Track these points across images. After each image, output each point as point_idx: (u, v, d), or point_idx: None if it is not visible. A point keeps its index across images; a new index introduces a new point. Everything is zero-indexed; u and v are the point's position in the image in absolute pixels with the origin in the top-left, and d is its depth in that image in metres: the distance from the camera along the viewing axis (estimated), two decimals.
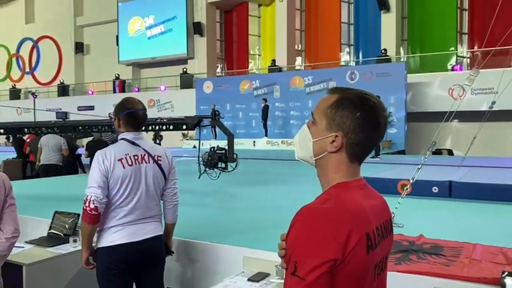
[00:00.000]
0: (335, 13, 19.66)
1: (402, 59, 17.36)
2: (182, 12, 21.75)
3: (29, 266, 2.72)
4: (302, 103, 17.22)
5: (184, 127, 6.12)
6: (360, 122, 1.06)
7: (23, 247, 3.00)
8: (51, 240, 3.20)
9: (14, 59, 28.67)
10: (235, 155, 5.99)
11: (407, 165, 7.56)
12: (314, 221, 0.99)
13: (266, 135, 16.90)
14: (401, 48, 18.06)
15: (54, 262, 2.88)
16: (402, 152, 14.01)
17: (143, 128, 2.70)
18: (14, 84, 27.78)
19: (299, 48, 20.98)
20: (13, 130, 7.86)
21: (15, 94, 27.00)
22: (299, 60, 20.99)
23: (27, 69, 28.12)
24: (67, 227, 3.28)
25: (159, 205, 2.54)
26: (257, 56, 22.60)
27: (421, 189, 4.95)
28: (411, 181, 3.88)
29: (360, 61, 18.88)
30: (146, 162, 2.44)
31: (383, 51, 16.92)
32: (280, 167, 10.24)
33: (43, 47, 27.29)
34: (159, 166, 2.49)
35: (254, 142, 16.85)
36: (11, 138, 16.54)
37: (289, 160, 10.93)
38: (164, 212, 2.58)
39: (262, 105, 16.74)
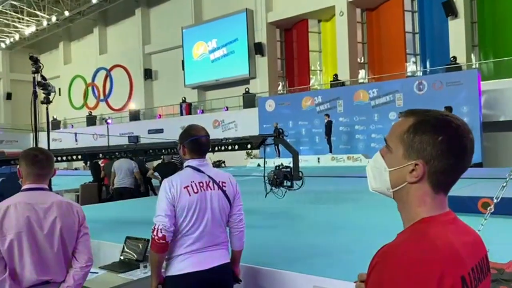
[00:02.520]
0: (399, 23, 19.08)
1: (474, 66, 16.36)
2: (243, 34, 22.23)
3: None
4: (368, 117, 16.75)
5: (249, 146, 6.13)
6: (443, 148, 0.94)
7: (96, 272, 3.09)
8: (123, 265, 3.27)
9: (90, 88, 30.82)
10: (300, 173, 5.86)
11: (486, 180, 7.00)
12: (399, 263, 0.87)
13: (330, 151, 16.59)
14: (472, 55, 17.05)
15: None
16: (479, 165, 13.07)
17: (210, 149, 2.69)
18: (90, 111, 29.78)
19: (362, 61, 20.55)
20: (89, 156, 8.34)
21: (91, 120, 28.92)
22: (362, 73, 20.55)
23: (102, 97, 30.07)
24: (137, 252, 3.35)
25: (226, 232, 2.50)
26: (318, 71, 22.44)
27: (507, 208, 4.50)
28: (495, 200, 3.54)
29: (428, 70, 18.06)
30: (211, 189, 2.42)
31: (452, 59, 16.07)
32: (346, 184, 9.94)
33: (115, 75, 29.11)
34: (224, 192, 2.46)
35: (318, 158, 16.59)
36: (88, 163, 17.60)
37: (355, 177, 10.59)
38: (230, 239, 2.54)
39: (325, 120, 16.50)
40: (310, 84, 21.89)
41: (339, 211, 5.90)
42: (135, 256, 3.34)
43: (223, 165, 18.72)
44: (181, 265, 2.32)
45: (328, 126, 16.33)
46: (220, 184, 2.45)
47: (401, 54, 19.18)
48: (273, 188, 5.78)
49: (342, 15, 19.29)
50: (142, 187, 9.04)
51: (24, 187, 2.26)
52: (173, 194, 2.31)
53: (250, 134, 8.81)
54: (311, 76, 22.32)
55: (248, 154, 18.80)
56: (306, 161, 15.13)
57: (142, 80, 27.15)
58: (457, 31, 16.52)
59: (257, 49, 21.80)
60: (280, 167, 5.87)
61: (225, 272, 2.44)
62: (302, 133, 18.60)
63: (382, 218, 4.93)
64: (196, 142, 2.46)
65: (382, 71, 19.02)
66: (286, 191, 5.80)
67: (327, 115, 16.55)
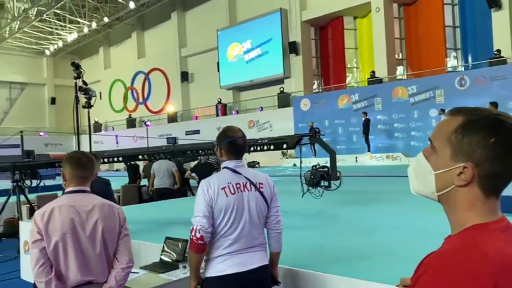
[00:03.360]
0: (438, 17, 18.47)
1: None
2: (277, 33, 22.19)
3: None
4: (407, 114, 16.33)
5: (285, 146, 6.10)
6: (495, 150, 0.87)
7: (138, 273, 3.15)
8: (163, 266, 3.32)
9: (129, 92, 31.67)
10: (338, 173, 5.76)
11: None
12: (448, 274, 0.82)
13: (368, 150, 16.27)
14: None
15: None
16: None
17: (246, 149, 2.69)
18: (130, 114, 30.59)
19: (400, 57, 20.04)
20: (130, 158, 8.56)
21: (131, 123, 29.71)
22: (400, 69, 20.04)
23: (141, 100, 30.83)
24: (177, 253, 3.39)
25: (263, 233, 2.49)
26: (354, 69, 22.08)
27: None
28: None
29: (470, 65, 17.37)
30: (248, 190, 2.41)
31: (496, 52, 15.38)
32: (385, 184, 9.72)
33: (153, 78, 29.77)
34: (261, 193, 2.45)
35: (356, 158, 16.32)
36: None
37: (395, 176, 10.33)
38: (268, 240, 2.52)
39: (363, 119, 16.21)
40: (347, 82, 21.57)
41: (378, 212, 5.77)
42: (175, 257, 3.38)
43: (257, 165, 18.75)
44: (220, 267, 2.33)
45: (366, 125, 16.03)
46: (257, 185, 2.44)
47: (441, 49, 18.57)
48: (310, 188, 5.71)
49: (379, 11, 18.88)
50: (179, 184, 9.15)
51: (67, 189, 2.34)
52: (211, 195, 2.32)
53: (285, 134, 8.77)
54: (347, 74, 21.99)
55: (284, 154, 18.75)
56: (343, 160, 14.91)
57: (179, 82, 27.61)
58: (501, 23, 15.80)
59: (291, 48, 21.70)
60: (317, 167, 5.80)
61: (264, 274, 2.43)
62: (339, 132, 18.36)
63: (422, 220, 4.77)
64: (233, 144, 2.46)
65: (421, 67, 18.47)
66: (323, 191, 5.71)
67: (365, 113, 16.25)
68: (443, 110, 14.37)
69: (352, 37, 21.66)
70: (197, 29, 26.60)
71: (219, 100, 24.49)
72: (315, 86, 22.48)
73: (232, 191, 2.36)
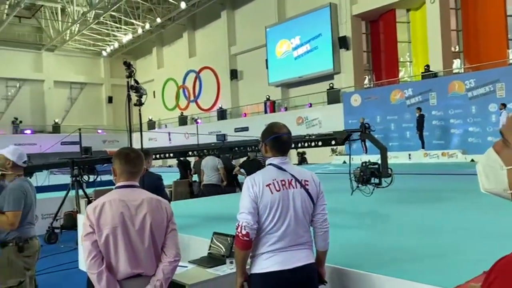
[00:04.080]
0: (499, 6, 17.40)
1: None
2: (327, 28, 21.86)
3: (191, 287, 2.89)
4: (464, 109, 15.55)
5: (333, 142, 5.98)
6: None
7: (186, 266, 3.22)
8: (211, 260, 3.37)
9: (181, 90, 32.47)
10: (389, 170, 5.57)
11: None
12: None
13: (423, 147, 15.66)
14: None
15: (213, 283, 3.02)
16: None
17: (293, 146, 2.65)
18: (182, 112, 31.37)
19: (456, 50, 19.11)
20: (180, 154, 8.78)
21: (182, 120, 30.47)
22: (456, 63, 19.10)
23: (192, 98, 31.52)
24: (224, 248, 3.43)
25: (309, 231, 2.45)
26: (408, 63, 21.32)
27: None
28: None
29: None
30: (293, 187, 2.38)
31: None
32: (440, 182, 9.31)
33: (204, 77, 30.33)
34: (307, 191, 2.41)
35: (409, 155, 15.76)
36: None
37: (451, 174, 9.88)
38: (314, 239, 2.48)
39: (417, 114, 15.62)
40: (399, 76, 20.87)
41: (432, 212, 5.53)
42: (222, 252, 3.42)
43: (304, 162, 18.53)
44: (265, 263, 2.32)
45: (420, 121, 15.45)
46: (303, 182, 2.41)
47: (501, 40, 17.48)
48: (360, 185, 5.57)
49: (434, 2, 18.08)
50: (225, 183, 9.25)
51: (117, 184, 2.42)
52: (255, 192, 2.31)
53: (335, 130, 8.61)
54: (400, 68, 21.28)
55: (333, 151, 18.46)
56: (396, 157, 14.45)
57: (229, 80, 27.94)
58: None
59: (341, 43, 21.31)
60: (367, 163, 5.64)
61: (310, 273, 2.40)
62: (391, 128, 17.81)
63: (480, 220, 4.52)
64: (278, 140, 2.44)
65: (479, 60, 17.49)
66: (373, 189, 5.55)
67: (419, 109, 15.65)
68: (504, 105, 13.54)
69: (405, 30, 20.92)
70: (246, 27, 26.77)
71: (267, 97, 24.53)
72: (366, 81, 21.95)
73: (277, 188, 2.34)
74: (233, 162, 10.83)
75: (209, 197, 8.32)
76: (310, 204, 2.41)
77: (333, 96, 21.01)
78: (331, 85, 21.39)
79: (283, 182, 2.37)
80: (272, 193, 2.32)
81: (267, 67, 24.97)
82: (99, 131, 31.18)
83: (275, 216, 2.32)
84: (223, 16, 27.93)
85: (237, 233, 2.30)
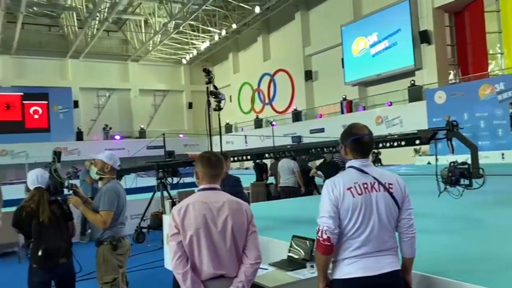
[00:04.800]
0: None
1: None
2: (406, 23, 20.91)
3: None
4: None
5: (417, 142, 5.66)
6: None
7: (266, 269, 3.23)
8: (291, 264, 3.35)
9: (256, 94, 32.95)
10: (481, 170, 5.13)
11: None
12: None
13: None
14: None
15: (294, 286, 2.99)
16: None
17: (374, 146, 2.54)
18: (257, 115, 31.82)
19: None
20: (257, 156, 8.88)
21: (258, 123, 30.88)
22: None
23: (267, 101, 31.85)
24: (304, 251, 3.39)
25: (394, 237, 2.33)
26: (498, 55, 19.67)
27: None
28: None
29: None
30: (376, 191, 2.28)
31: None
32: None
33: (278, 79, 30.51)
34: (391, 194, 2.29)
35: (502, 154, 14.52)
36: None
37: None
38: (400, 245, 2.36)
39: (510, 111, 14.37)
40: (489, 70, 19.33)
41: None
42: (302, 255, 3.38)
43: (379, 164, 17.73)
44: (348, 269, 2.25)
45: None
46: (387, 185, 2.30)
47: None
48: (448, 187, 5.21)
49: None
50: (303, 188, 9.17)
51: (200, 187, 2.49)
52: (336, 196, 2.25)
53: (419, 129, 8.16)
54: (489, 61, 19.70)
55: (416, 151, 17.57)
56: (487, 157, 13.38)
57: (303, 81, 27.81)
58: None
59: (422, 37, 20.24)
60: (456, 163, 5.26)
61: (395, 280, 2.28)
62: (481, 126, 16.55)
63: None
64: (358, 142, 2.36)
65: None
66: (463, 191, 5.17)
67: None
68: None
69: (494, 20, 19.32)
70: (321, 27, 26.47)
71: (344, 97, 24.02)
72: (451, 77, 20.62)
73: (359, 192, 2.26)
74: (309, 164, 10.74)
75: (286, 199, 8.32)
76: (395, 208, 2.30)
77: (415, 94, 20.01)
78: (412, 82, 20.40)
79: (365, 185, 2.28)
80: (353, 196, 2.25)
81: (343, 66, 24.47)
82: (181, 135, 32.61)
83: (357, 221, 2.24)
84: (297, 17, 27.89)
85: (317, 238, 2.26)
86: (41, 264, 3.50)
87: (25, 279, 3.67)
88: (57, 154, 3.91)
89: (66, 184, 3.84)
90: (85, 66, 32.56)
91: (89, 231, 8.33)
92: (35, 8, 25.35)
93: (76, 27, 28.80)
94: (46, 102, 30.43)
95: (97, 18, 25.42)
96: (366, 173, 2.32)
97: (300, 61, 27.82)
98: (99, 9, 23.55)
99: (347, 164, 2.41)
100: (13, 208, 3.75)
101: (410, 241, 2.33)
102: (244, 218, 2.42)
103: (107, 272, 3.70)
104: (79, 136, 30.99)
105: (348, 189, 2.26)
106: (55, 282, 3.68)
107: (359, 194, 2.25)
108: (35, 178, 3.69)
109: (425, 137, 5.29)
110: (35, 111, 30.19)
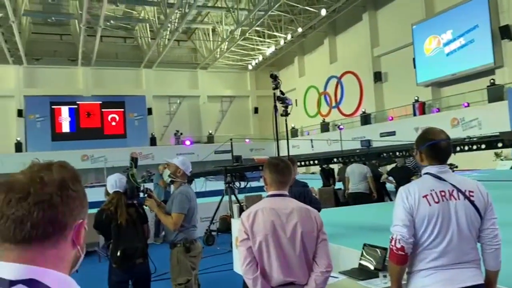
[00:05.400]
0: None
1: None
2: (485, 19, 19.59)
3: None
4: None
5: (500, 145, 5.27)
6: None
7: (337, 277, 3.16)
8: (362, 273, 3.25)
9: (322, 97, 32.57)
10: None
11: None
12: None
13: None
14: None
15: None
16: None
17: (452, 150, 2.40)
18: (324, 119, 31.41)
19: None
20: (325, 161, 8.75)
21: (324, 127, 30.47)
22: None
23: (333, 104, 31.35)
24: (376, 260, 3.27)
25: (476, 248, 2.17)
26: None
27: None
28: None
29: None
30: (455, 199, 2.15)
31: None
32: None
33: (345, 82, 29.93)
34: (472, 202, 2.14)
35: None
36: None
37: None
38: (483, 257, 2.19)
39: None
40: None
41: None
42: (374, 264, 3.27)
43: (454, 169, 16.68)
44: (425, 281, 2.13)
45: None
46: (467, 193, 2.15)
47: None
48: None
49: None
50: (374, 193, 8.89)
51: (268, 193, 2.50)
52: (411, 203, 2.15)
53: (501, 131, 7.60)
54: None
55: (497, 155, 16.36)
56: None
57: (372, 83, 27.03)
58: None
59: (503, 33, 18.84)
60: None
61: None
62: None
63: None
64: (435, 147, 2.23)
65: None
66: None
67: None
68: None
69: None
70: (390, 27, 25.61)
71: (416, 98, 23.00)
72: None
73: (436, 200, 2.14)
74: (380, 169, 10.39)
75: (356, 206, 8.11)
76: (476, 218, 2.14)
77: (495, 93, 18.64)
78: (492, 81, 19.04)
79: (443, 193, 2.16)
80: (430, 205, 2.13)
81: (414, 67, 23.45)
82: (247, 140, 33.08)
83: (434, 230, 2.12)
84: (365, 18, 27.21)
85: (391, 247, 2.16)
86: (120, 264, 3.70)
87: (105, 278, 3.90)
88: (134, 160, 4.15)
89: (141, 188, 4.06)
90: (157, 75, 34.15)
91: (163, 233, 8.68)
92: (112, 22, 27.06)
93: (149, 38, 30.33)
94: (123, 109, 32.32)
95: (168, 29, 26.59)
96: (444, 180, 2.19)
97: (368, 63, 27.09)
98: (170, 20, 24.62)
99: (423, 171, 2.29)
100: (94, 210, 4.00)
101: (494, 253, 2.16)
102: (313, 225, 2.38)
103: (181, 273, 3.82)
104: (153, 141, 32.52)
105: (424, 196, 2.15)
106: (132, 281, 3.88)
107: (436, 202, 2.13)
108: (114, 182, 3.93)
109: (509, 140, 4.92)
110: (113, 119, 32.17)
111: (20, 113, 29.41)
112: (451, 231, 2.11)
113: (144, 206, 4.04)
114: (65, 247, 0.92)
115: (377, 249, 3.32)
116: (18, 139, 28.93)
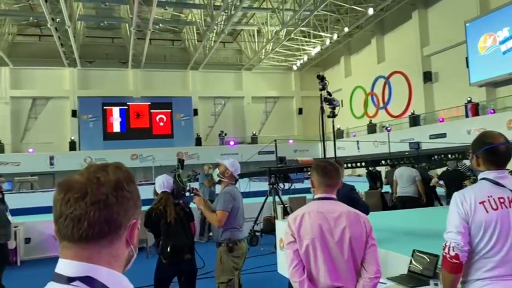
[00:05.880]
0: None
1: None
2: None
3: None
4: None
5: None
6: None
7: (385, 283, 3.07)
8: (411, 279, 3.14)
9: (369, 97, 31.88)
10: None
11: None
12: None
13: None
14: None
15: None
16: None
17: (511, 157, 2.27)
18: (370, 120, 30.73)
19: None
20: (372, 163, 8.55)
21: (371, 128, 29.80)
22: None
23: (381, 105, 30.61)
24: (426, 268, 3.16)
25: None
26: None
27: None
28: None
29: None
30: None
31: None
32: None
33: (393, 82, 29.13)
34: None
35: None
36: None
37: None
38: None
39: None
40: None
41: None
42: (424, 272, 3.16)
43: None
44: None
45: None
46: None
47: None
48: None
49: None
50: (424, 198, 8.57)
51: (316, 196, 2.47)
52: (466, 210, 2.05)
53: None
54: None
55: None
56: None
57: (421, 83, 26.15)
58: None
59: None
60: None
61: None
62: None
63: None
64: (493, 152, 2.12)
65: None
66: None
67: None
68: None
69: None
70: (441, 25, 24.67)
71: (468, 99, 22.01)
72: None
73: (494, 207, 2.03)
74: (429, 172, 10.03)
75: (404, 210, 7.87)
76: None
77: None
78: None
79: (502, 200, 2.04)
80: (487, 212, 2.03)
81: (467, 66, 22.44)
82: (290, 141, 32.96)
83: (491, 239, 2.01)
84: (415, 16, 26.37)
85: (444, 254, 2.08)
86: (169, 259, 3.84)
87: (152, 274, 4.02)
88: (180, 162, 4.32)
89: (187, 188, 4.19)
90: (203, 76, 34.75)
91: (210, 233, 8.85)
92: (160, 25, 27.83)
93: (196, 40, 30.92)
94: (170, 110, 33.15)
95: (214, 31, 26.99)
96: (503, 186, 2.08)
97: (418, 62, 26.22)
98: (216, 22, 24.98)
99: (479, 176, 2.18)
100: (144, 208, 4.14)
101: None
102: (362, 230, 2.33)
103: (223, 272, 3.90)
104: (198, 141, 33.12)
105: (481, 203, 2.04)
106: (180, 276, 4.01)
107: (494, 209, 2.03)
108: (162, 183, 4.08)
109: None
110: (161, 119, 33.07)
111: (74, 113, 30.88)
112: (510, 240, 2.00)
113: (193, 203, 4.16)
114: (119, 246, 0.94)
115: (428, 256, 3.20)
116: (72, 138, 30.38)
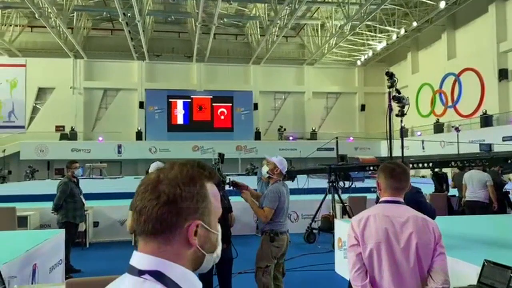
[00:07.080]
0: None
1: None
2: None
3: None
4: None
5: None
6: None
7: None
8: None
9: (437, 95, 30.36)
10: None
11: None
12: None
13: None
14: None
15: None
16: None
17: None
18: (438, 119, 29.27)
19: None
20: (440, 164, 8.13)
21: (438, 128, 28.38)
22: None
23: (449, 103, 29.04)
24: (499, 281, 2.93)
25: None
26: None
27: None
28: None
29: None
30: None
31: None
32: None
33: (464, 79, 27.51)
34: None
35: None
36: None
37: None
38: None
39: None
40: None
41: None
42: (496, 285, 2.93)
43: None
44: None
45: None
46: None
47: None
48: None
49: None
50: (495, 204, 7.98)
51: (382, 199, 2.36)
52: None
53: None
54: None
55: None
56: None
57: (496, 81, 24.45)
58: None
59: None
60: None
61: None
62: None
63: None
64: None
65: None
66: None
67: None
68: None
69: None
70: None
71: None
72: None
73: None
74: (503, 177, 9.36)
75: (473, 216, 7.41)
76: None
77: None
78: None
79: None
80: None
81: None
82: (350, 138, 32.25)
83: None
84: (491, 10, 24.65)
85: None
86: None
87: None
88: (221, 156, 4.62)
89: (227, 181, 4.50)
90: (264, 71, 34.86)
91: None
92: (225, 19, 28.25)
93: (259, 35, 31.07)
94: (231, 104, 33.67)
95: (278, 25, 26.94)
96: None
97: (493, 59, 24.54)
98: (280, 16, 24.90)
99: None
100: None
101: None
102: (431, 236, 2.19)
103: (262, 258, 4.26)
104: (257, 136, 33.36)
105: None
106: (217, 264, 4.24)
107: None
108: None
109: None
110: (222, 113, 33.70)
111: (141, 104, 32.31)
112: None
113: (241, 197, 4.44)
114: (178, 245, 0.92)
115: (503, 268, 2.96)
116: (139, 128, 31.81)
